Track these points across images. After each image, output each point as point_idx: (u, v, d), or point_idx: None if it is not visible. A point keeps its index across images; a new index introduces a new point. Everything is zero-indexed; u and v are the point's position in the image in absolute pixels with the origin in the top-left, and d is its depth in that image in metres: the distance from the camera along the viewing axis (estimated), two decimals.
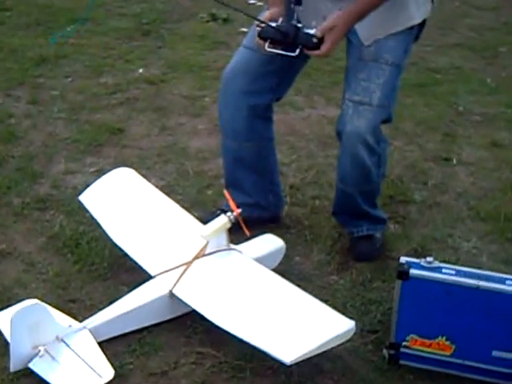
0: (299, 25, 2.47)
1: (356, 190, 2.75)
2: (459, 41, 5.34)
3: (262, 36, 2.50)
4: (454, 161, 3.66)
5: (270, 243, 2.69)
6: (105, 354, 2.20)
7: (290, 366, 2.12)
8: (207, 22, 5.42)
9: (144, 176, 2.93)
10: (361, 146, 2.61)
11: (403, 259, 2.30)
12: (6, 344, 2.21)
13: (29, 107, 3.96)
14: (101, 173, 3.05)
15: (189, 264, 2.46)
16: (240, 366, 2.31)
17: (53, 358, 2.15)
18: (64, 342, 2.19)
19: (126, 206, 2.78)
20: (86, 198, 2.83)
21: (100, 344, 2.24)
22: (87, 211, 2.82)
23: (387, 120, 2.70)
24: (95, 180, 2.91)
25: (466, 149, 3.79)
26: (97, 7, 5.52)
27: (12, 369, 2.16)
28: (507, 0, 6.12)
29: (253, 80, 2.73)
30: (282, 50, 2.51)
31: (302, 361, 2.12)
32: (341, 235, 2.96)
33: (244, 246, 2.61)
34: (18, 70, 4.39)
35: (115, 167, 2.95)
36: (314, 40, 2.44)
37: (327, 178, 3.37)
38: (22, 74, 4.35)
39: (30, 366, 2.15)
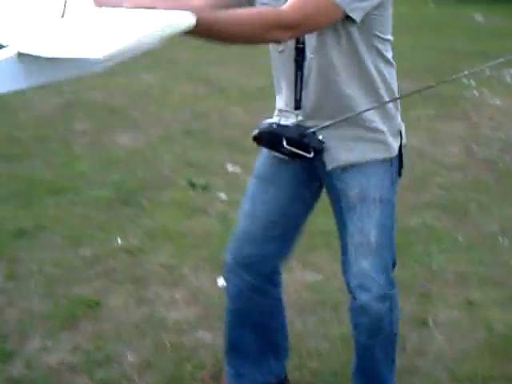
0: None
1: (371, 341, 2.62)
2: (430, 200, 5.44)
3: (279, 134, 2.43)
4: (431, 322, 3.68)
5: None
6: None
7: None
8: (187, 189, 5.52)
9: (121, 351, 2.91)
10: (370, 289, 2.49)
11: None
12: None
13: (5, 283, 3.97)
14: (77, 350, 3.03)
15: None
16: None
17: None
18: None
19: None
20: None
21: None
22: None
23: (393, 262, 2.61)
24: (71, 359, 2.88)
25: (441, 309, 3.82)
26: (77, 177, 5.67)
27: None
28: (473, 158, 6.33)
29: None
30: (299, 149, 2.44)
31: None
32: None
33: None
34: None
35: (91, 342, 2.93)
36: (323, 145, 2.43)
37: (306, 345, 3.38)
38: None
39: None
